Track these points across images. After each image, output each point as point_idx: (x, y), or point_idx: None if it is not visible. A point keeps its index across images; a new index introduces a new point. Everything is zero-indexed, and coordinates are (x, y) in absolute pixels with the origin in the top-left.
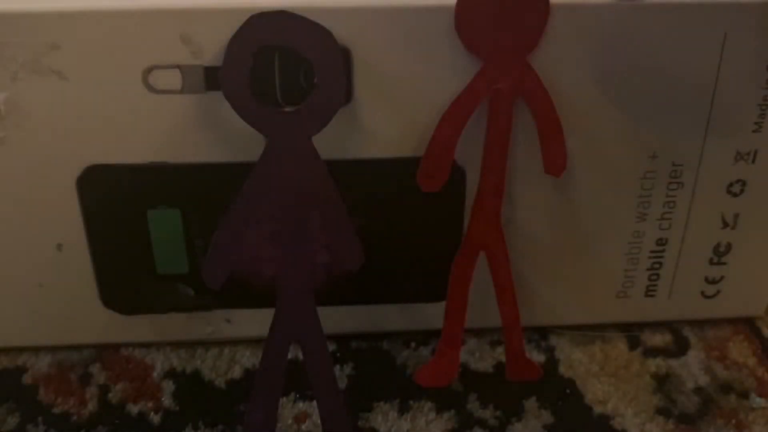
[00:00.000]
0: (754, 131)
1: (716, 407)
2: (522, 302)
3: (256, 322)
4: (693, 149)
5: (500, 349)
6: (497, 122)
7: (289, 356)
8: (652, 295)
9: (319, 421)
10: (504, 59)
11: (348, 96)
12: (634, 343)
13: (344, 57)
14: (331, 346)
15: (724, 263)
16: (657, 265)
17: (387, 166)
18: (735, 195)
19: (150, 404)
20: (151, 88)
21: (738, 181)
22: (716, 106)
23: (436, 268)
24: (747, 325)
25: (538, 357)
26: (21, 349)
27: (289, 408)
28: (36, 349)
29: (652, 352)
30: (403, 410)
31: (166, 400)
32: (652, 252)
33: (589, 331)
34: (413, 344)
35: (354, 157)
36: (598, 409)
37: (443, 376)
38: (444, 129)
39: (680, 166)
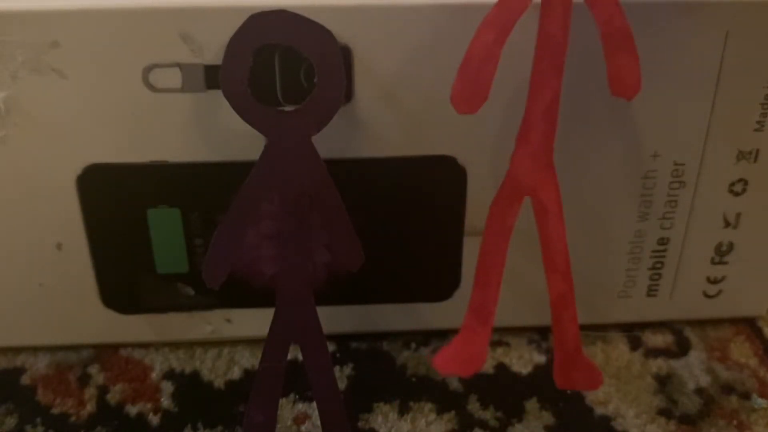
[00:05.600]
0: (755, 130)
1: (718, 408)
2: (522, 302)
3: (256, 322)
4: (695, 148)
5: (500, 350)
6: (551, 22)
7: (289, 356)
8: (653, 295)
9: (318, 423)
10: None
11: (348, 95)
12: (635, 344)
13: (345, 56)
14: (331, 347)
15: (726, 263)
16: (659, 265)
17: (387, 166)
18: (737, 194)
19: (149, 405)
20: (151, 87)
21: (740, 180)
22: (718, 104)
23: (436, 268)
24: (748, 325)
25: (538, 357)
26: (19, 350)
27: (288, 409)
28: (34, 350)
29: (653, 352)
30: (403, 411)
31: (165, 401)
32: (653, 251)
33: (590, 332)
34: (413, 345)
35: (354, 157)
36: (599, 410)
37: (468, 361)
38: (485, 34)
39: (682, 165)
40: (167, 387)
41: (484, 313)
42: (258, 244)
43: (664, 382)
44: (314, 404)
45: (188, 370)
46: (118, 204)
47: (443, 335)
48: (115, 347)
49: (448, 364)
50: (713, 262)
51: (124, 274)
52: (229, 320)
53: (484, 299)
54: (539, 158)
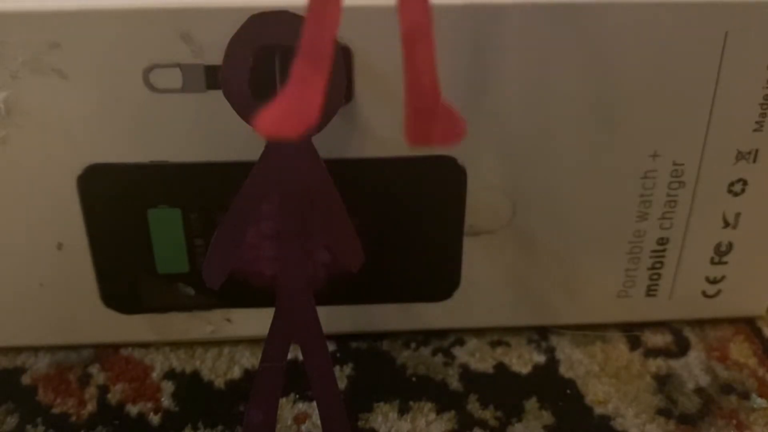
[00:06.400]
0: (755, 130)
1: (717, 408)
2: (522, 302)
3: (256, 322)
4: (694, 148)
5: (500, 349)
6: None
7: (289, 356)
8: (653, 295)
9: (318, 422)
10: None
11: (348, 95)
12: (634, 344)
13: (345, 56)
14: (331, 346)
15: (725, 263)
16: (658, 265)
17: (387, 166)
18: (736, 194)
19: (149, 405)
20: (151, 87)
21: (739, 180)
22: (717, 104)
23: (436, 268)
24: (748, 325)
25: (538, 357)
26: (19, 350)
27: (288, 408)
28: (35, 350)
29: (652, 352)
30: (403, 411)
31: (166, 401)
32: (653, 251)
33: (589, 331)
34: (413, 345)
35: (354, 157)
36: (598, 410)
37: (297, 116)
38: None
39: (681, 165)
40: (168, 387)
41: (319, 52)
42: (258, 244)
43: (663, 381)
44: (314, 404)
45: (188, 369)
46: (118, 204)
47: (443, 335)
48: (116, 347)
49: (273, 123)
50: (712, 262)
51: (125, 274)
52: (229, 320)
53: (319, 33)
54: None
